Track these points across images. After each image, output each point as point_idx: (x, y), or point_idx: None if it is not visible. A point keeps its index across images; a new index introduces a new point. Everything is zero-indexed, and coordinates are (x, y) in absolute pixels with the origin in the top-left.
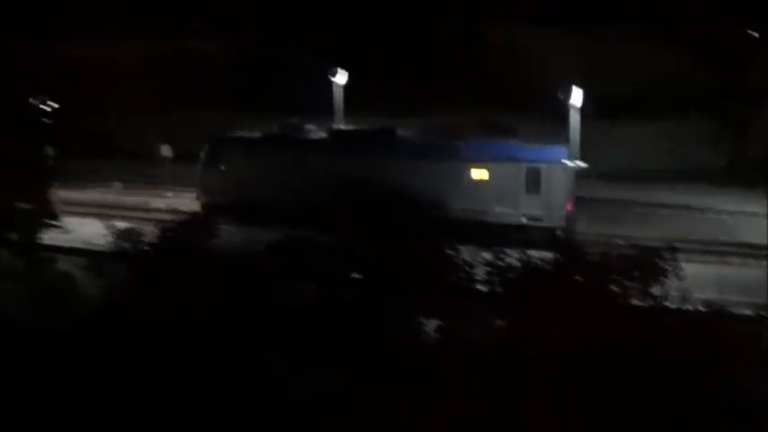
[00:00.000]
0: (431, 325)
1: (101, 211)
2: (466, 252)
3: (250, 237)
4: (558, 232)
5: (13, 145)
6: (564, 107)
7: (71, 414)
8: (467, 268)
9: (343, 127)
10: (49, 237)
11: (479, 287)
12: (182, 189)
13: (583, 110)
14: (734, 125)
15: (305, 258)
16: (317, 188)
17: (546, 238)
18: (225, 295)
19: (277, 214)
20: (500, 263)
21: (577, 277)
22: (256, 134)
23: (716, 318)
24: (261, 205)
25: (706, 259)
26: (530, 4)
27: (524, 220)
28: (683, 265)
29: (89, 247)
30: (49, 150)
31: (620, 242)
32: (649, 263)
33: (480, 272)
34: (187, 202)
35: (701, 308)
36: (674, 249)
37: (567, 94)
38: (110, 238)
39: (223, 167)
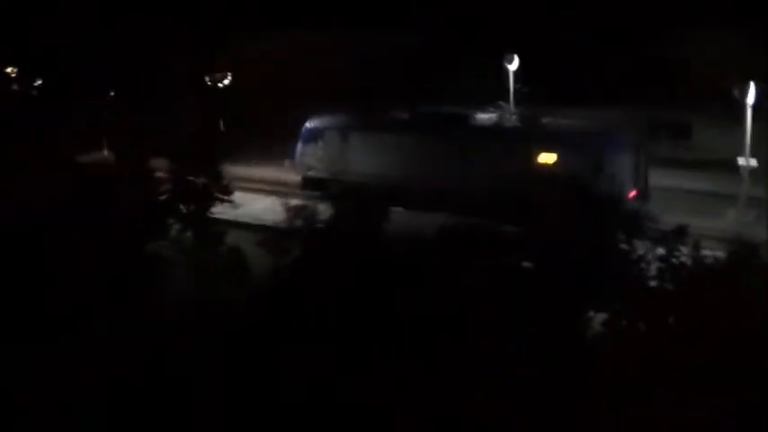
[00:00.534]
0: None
1: (271, 188)
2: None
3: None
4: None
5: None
6: (736, 105)
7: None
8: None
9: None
10: (220, 211)
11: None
12: None
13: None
14: None
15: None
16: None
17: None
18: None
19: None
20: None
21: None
22: (349, 115)
23: None
24: (351, 182)
25: None
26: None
27: None
28: None
29: (257, 222)
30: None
31: None
32: None
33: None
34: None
35: None
36: None
37: (743, 91)
38: (278, 215)
39: (319, 145)
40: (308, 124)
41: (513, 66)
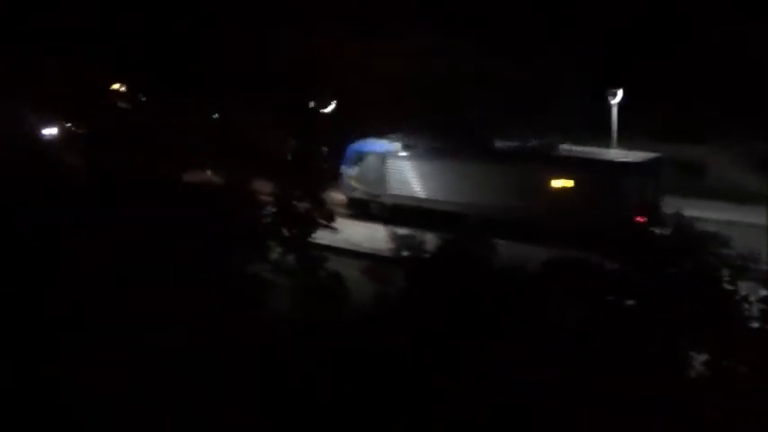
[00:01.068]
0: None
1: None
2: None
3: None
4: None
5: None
6: None
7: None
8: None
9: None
10: (320, 236)
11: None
12: None
13: None
14: None
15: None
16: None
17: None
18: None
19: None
20: None
21: None
22: (384, 141)
23: None
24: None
25: None
26: None
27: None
28: None
29: (356, 249)
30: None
31: None
32: None
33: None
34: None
35: None
36: None
37: None
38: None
39: (360, 168)
40: (352, 147)
41: (617, 99)
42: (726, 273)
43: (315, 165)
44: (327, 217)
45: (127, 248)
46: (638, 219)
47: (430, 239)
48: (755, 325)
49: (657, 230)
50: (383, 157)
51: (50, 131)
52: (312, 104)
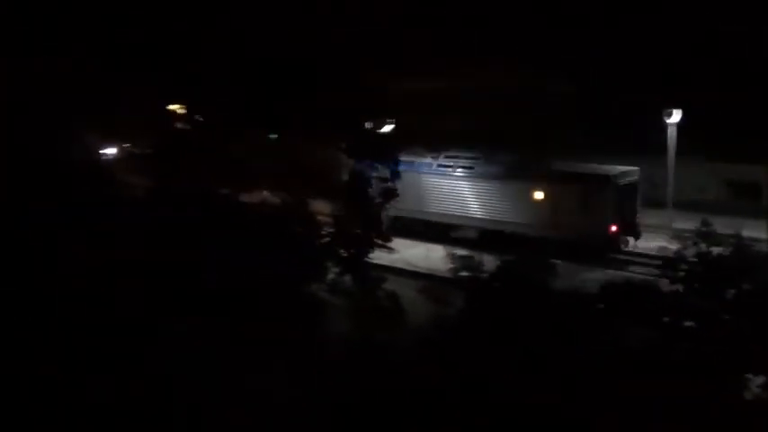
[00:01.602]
0: None
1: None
2: None
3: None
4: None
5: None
6: None
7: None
8: None
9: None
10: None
11: None
12: None
13: None
14: None
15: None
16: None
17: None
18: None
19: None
20: None
21: None
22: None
23: None
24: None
25: None
26: None
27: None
28: None
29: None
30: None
31: None
32: None
33: None
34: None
35: None
36: None
37: None
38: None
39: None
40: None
41: (674, 119)
42: None
43: (370, 185)
44: (384, 237)
45: (185, 266)
46: (611, 229)
47: (488, 260)
48: None
49: (633, 241)
50: (418, 174)
51: (110, 151)
52: (369, 125)
